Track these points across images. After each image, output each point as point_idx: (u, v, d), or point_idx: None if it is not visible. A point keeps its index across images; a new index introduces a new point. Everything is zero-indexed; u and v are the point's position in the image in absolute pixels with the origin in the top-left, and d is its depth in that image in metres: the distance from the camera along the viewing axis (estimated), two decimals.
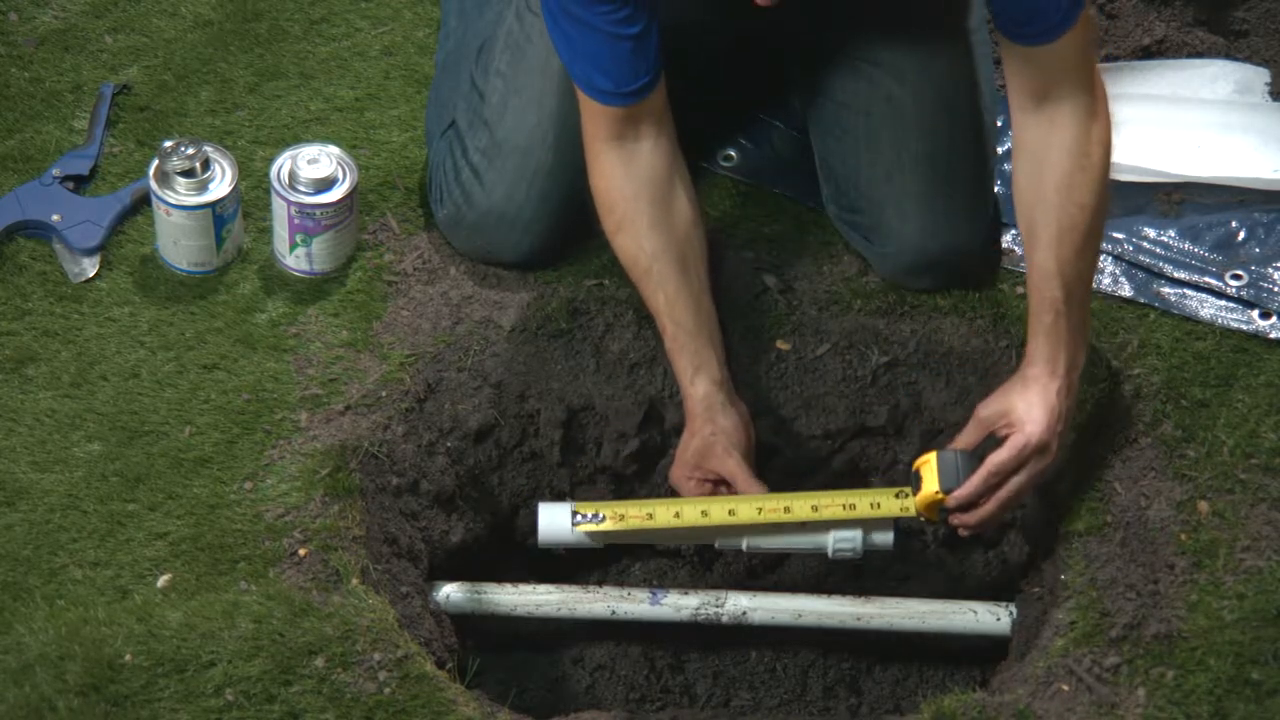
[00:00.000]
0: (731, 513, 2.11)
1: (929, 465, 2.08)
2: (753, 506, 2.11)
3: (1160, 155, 2.47)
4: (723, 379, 2.20)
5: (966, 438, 2.09)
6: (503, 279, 2.33)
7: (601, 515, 2.11)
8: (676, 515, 2.11)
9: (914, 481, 2.09)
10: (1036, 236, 2.07)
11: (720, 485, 2.18)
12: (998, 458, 2.05)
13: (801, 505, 2.11)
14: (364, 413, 2.21)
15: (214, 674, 1.96)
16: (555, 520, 2.12)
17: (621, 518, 2.11)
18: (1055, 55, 2.03)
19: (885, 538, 2.12)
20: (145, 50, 2.53)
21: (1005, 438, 2.06)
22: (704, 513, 2.12)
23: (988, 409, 2.08)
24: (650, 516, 2.11)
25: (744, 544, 2.14)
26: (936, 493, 2.06)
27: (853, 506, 2.10)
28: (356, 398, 2.22)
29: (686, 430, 2.21)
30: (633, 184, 2.16)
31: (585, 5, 2.05)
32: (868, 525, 2.11)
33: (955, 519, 2.10)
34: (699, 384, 2.19)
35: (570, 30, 2.08)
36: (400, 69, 2.53)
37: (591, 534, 2.11)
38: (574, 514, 2.11)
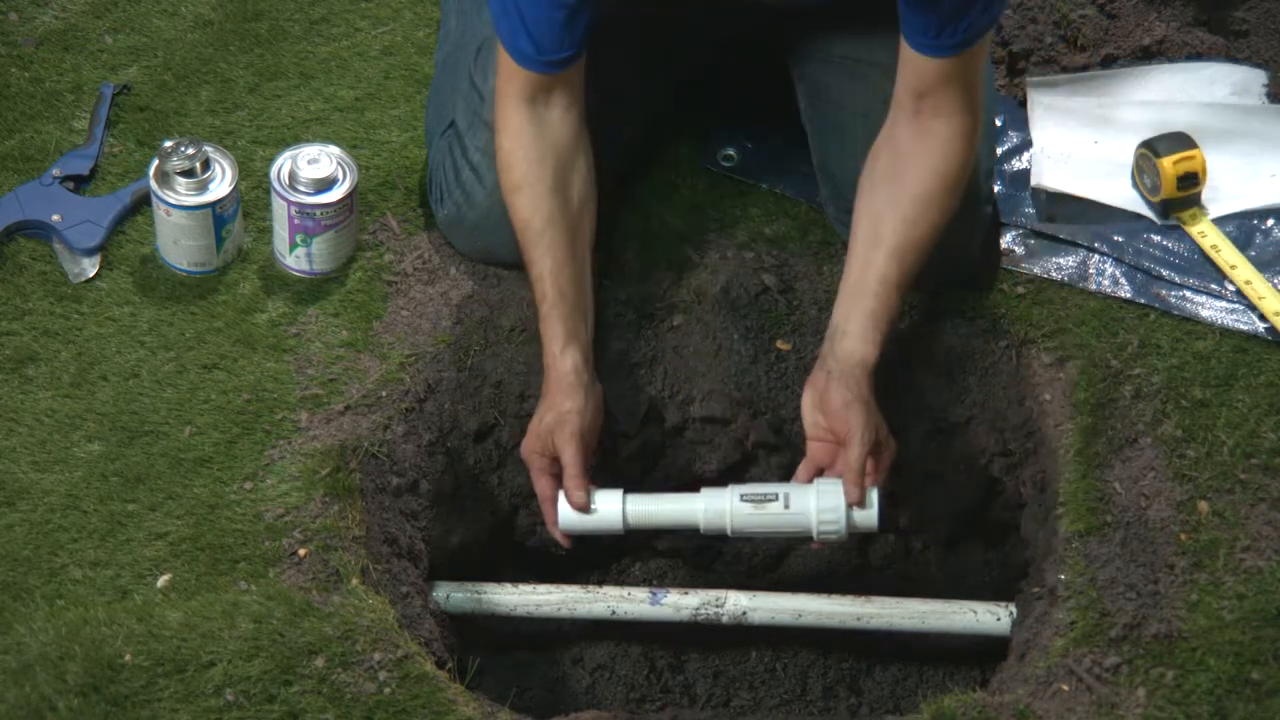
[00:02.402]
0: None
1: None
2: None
3: None
4: (589, 357, 2.20)
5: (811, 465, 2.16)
6: (503, 279, 2.33)
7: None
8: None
9: None
10: (882, 239, 2.11)
11: (557, 464, 2.18)
12: (854, 453, 2.09)
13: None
14: (364, 413, 2.21)
15: (214, 674, 1.96)
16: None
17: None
18: (946, 70, 2.06)
19: (868, 516, 2.11)
20: (145, 50, 2.53)
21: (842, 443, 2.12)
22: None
23: (814, 428, 2.14)
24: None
25: (728, 526, 2.13)
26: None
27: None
28: (356, 398, 2.22)
29: (544, 402, 2.19)
30: (539, 147, 2.16)
31: None
32: (850, 505, 2.11)
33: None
34: (569, 356, 2.17)
35: None
36: (400, 69, 2.53)
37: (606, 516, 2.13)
38: None
